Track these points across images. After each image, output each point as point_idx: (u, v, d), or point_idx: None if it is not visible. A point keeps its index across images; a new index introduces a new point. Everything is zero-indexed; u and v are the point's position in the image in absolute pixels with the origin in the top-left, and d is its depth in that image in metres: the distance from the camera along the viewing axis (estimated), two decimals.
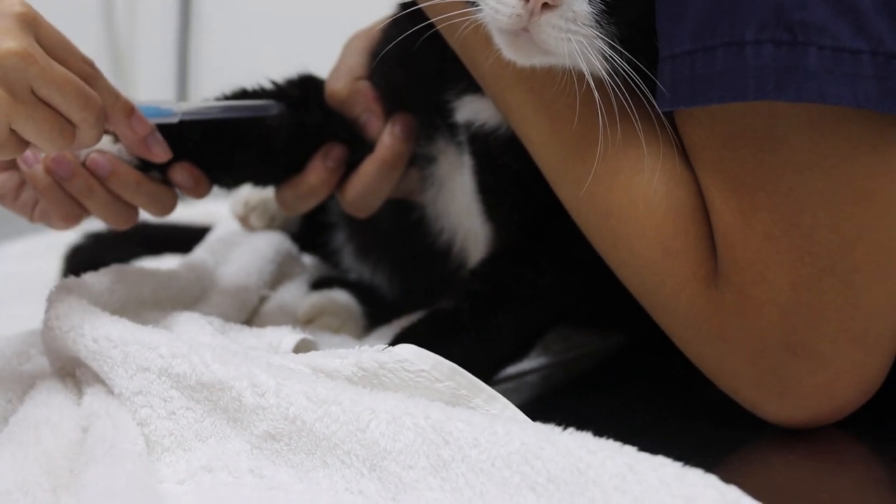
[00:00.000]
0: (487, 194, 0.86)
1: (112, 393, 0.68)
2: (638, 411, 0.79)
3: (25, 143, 0.70)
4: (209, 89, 0.92)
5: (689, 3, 0.64)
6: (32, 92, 0.68)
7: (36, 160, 0.79)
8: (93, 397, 0.69)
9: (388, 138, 0.88)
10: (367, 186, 0.89)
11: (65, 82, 0.69)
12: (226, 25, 2.25)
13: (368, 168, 0.88)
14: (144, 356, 0.67)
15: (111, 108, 0.76)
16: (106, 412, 0.66)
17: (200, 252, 1.04)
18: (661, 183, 0.70)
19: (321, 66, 0.95)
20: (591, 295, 0.86)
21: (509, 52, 0.70)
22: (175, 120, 0.81)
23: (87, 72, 0.73)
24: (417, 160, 0.90)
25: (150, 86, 2.26)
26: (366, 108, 0.89)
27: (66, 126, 0.71)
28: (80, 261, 1.09)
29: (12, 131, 0.69)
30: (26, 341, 0.78)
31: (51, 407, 0.68)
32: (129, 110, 0.77)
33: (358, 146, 0.89)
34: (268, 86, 0.90)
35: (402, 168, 0.89)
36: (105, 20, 2.35)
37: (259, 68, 0.94)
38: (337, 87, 0.89)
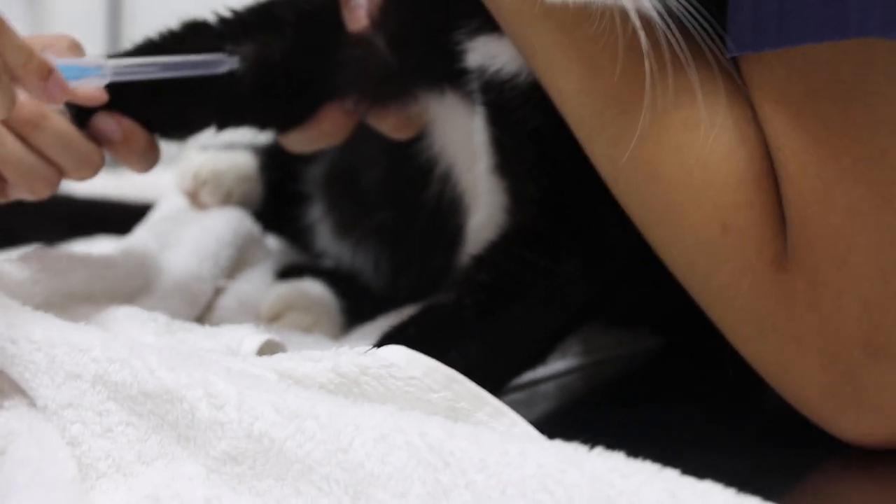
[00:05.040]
0: (502, 158, 0.85)
1: (35, 406, 0.68)
2: (679, 427, 0.78)
3: None
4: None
5: None
6: None
7: None
8: (11, 412, 0.68)
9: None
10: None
11: None
12: None
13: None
14: (75, 360, 0.66)
15: (22, 70, 0.74)
16: (28, 430, 0.65)
17: (142, 233, 1.04)
18: (720, 143, 0.70)
19: None
20: (624, 285, 0.86)
21: None
22: (104, 81, 0.82)
23: None
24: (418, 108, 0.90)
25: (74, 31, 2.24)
26: None
27: None
28: None
29: None
30: None
31: None
32: (45, 72, 0.76)
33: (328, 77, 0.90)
34: (228, 16, 0.90)
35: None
36: None
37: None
38: None
